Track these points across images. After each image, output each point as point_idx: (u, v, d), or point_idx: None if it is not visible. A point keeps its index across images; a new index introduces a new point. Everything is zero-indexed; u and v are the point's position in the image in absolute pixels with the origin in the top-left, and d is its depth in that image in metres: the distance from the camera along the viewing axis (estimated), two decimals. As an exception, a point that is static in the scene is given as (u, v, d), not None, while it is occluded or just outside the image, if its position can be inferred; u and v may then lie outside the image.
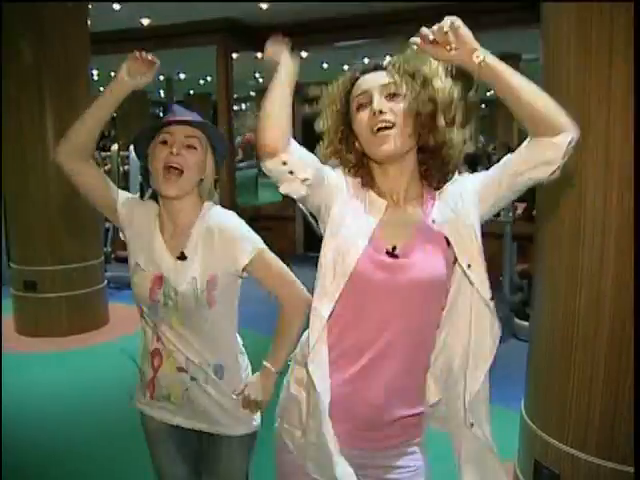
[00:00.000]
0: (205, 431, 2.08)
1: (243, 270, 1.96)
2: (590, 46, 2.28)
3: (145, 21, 8.59)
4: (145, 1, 7.23)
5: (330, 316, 1.57)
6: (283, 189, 1.52)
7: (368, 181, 1.64)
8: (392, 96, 1.56)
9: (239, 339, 2.13)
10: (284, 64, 1.57)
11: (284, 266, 2.00)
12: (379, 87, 1.57)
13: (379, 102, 1.56)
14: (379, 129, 1.54)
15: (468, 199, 1.60)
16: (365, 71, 1.63)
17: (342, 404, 1.58)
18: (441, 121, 1.56)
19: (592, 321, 2.37)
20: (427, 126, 1.57)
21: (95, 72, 8.69)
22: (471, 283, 1.57)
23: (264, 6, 7.76)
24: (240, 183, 10.52)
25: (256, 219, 10.05)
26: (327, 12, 8.17)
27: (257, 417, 2.11)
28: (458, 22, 1.42)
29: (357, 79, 1.63)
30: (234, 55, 9.45)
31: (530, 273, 4.76)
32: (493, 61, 1.45)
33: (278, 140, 1.47)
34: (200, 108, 17.47)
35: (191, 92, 17.69)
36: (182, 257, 1.96)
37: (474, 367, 1.60)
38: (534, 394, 2.68)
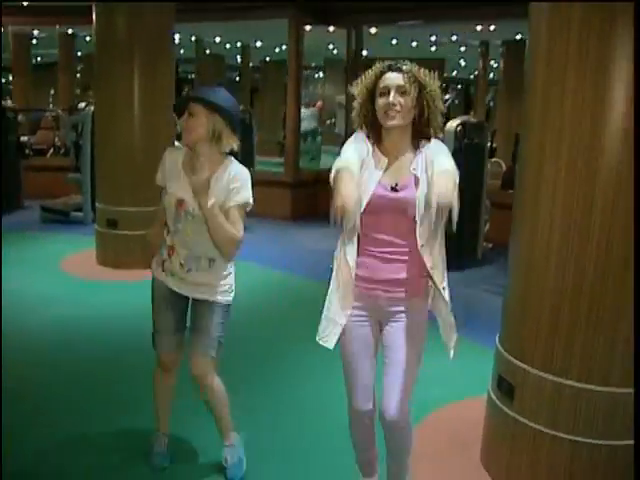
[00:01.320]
0: (195, 297, 3.02)
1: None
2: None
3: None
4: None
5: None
6: None
7: (377, 140, 2.57)
8: (402, 93, 2.46)
9: None
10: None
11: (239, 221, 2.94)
12: (395, 86, 2.46)
13: (394, 97, 2.45)
14: (388, 112, 2.46)
15: (432, 164, 2.48)
16: (390, 68, 2.51)
17: (365, 272, 2.58)
18: (427, 110, 2.51)
19: (542, 266, 2.94)
20: (420, 112, 2.51)
21: (177, 36, 9.40)
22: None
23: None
24: (305, 149, 11.17)
25: (317, 182, 10.67)
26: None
27: (231, 294, 3.07)
28: None
29: (383, 74, 2.51)
30: (307, 27, 10.05)
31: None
32: None
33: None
34: (275, 74, 18.24)
35: (267, 59, 18.39)
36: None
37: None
38: (505, 323, 3.27)
